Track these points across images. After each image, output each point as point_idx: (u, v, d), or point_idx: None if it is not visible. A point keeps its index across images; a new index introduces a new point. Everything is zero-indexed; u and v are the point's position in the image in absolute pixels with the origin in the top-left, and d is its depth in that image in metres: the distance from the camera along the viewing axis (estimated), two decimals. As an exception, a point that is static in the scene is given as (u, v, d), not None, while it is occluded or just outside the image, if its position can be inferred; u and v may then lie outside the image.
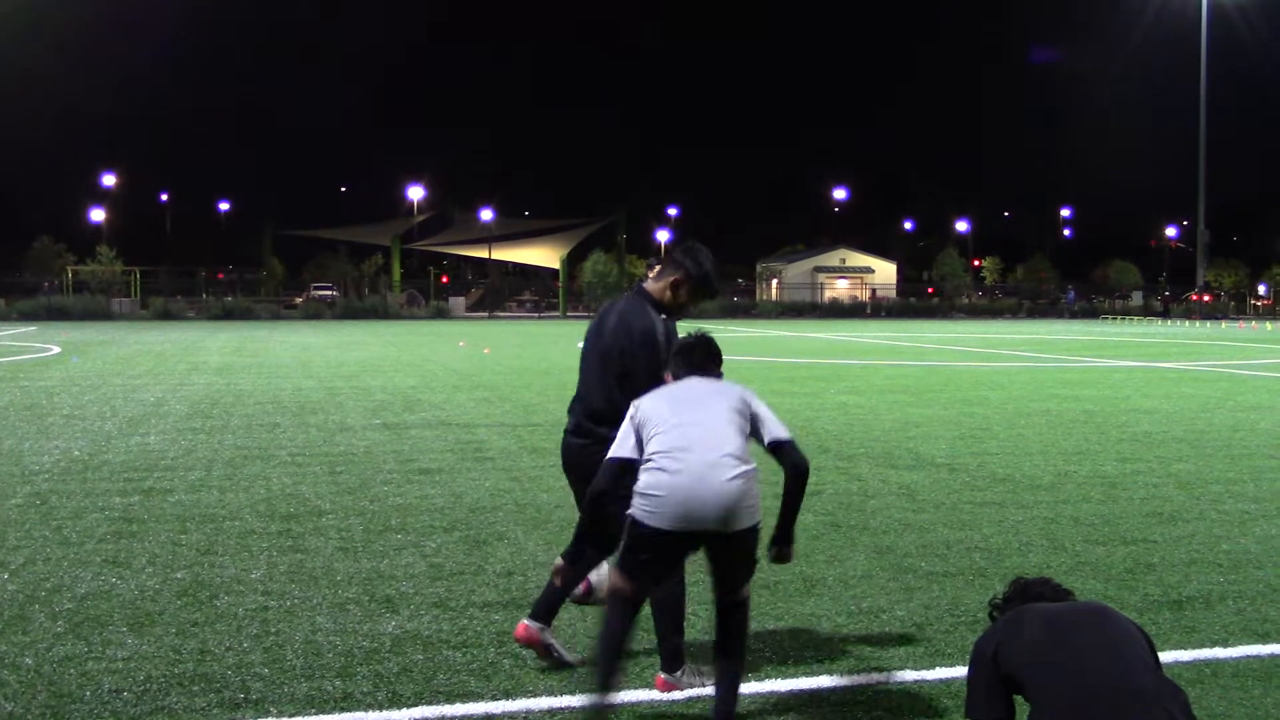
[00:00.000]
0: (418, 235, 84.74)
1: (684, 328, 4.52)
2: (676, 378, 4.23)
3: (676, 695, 4.41)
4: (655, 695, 4.42)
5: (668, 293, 4.57)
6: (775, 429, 4.09)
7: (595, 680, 4.01)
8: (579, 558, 4.58)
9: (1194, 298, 70.78)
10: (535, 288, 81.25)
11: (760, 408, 4.12)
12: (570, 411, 4.86)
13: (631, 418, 4.09)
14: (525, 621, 4.66)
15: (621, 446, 4.04)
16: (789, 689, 4.48)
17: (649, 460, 3.95)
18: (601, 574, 5.62)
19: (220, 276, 76.34)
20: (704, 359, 4.25)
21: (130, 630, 5.18)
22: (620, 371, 4.51)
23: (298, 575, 6.14)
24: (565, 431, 4.87)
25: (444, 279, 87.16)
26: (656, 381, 4.41)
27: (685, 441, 3.91)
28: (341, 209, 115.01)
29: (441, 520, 7.50)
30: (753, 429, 4.08)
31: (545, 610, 4.66)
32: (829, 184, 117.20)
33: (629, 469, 4.00)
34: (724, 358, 4.51)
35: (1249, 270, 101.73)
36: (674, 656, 4.47)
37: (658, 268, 12.86)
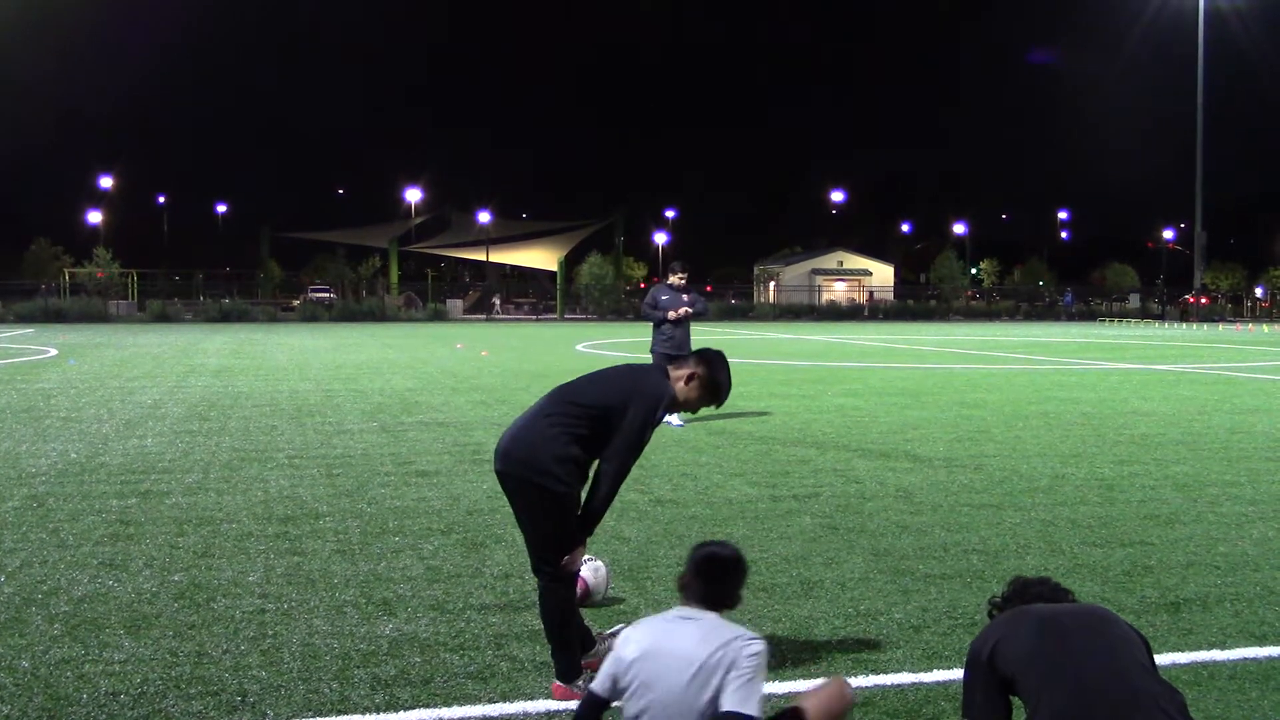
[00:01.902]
0: (415, 237, 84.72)
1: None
2: (683, 588, 3.73)
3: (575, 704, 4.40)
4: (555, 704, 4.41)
5: (681, 381, 4.68)
6: (739, 700, 3.42)
7: None
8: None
9: (1190, 300, 70.67)
10: (532, 290, 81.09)
11: (743, 674, 3.44)
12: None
13: (614, 658, 3.64)
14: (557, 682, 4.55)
15: (600, 681, 3.65)
16: (786, 691, 4.48)
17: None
18: (600, 575, 5.62)
19: (225, 275, 76.08)
20: (730, 586, 3.72)
21: (127, 633, 5.17)
22: (607, 402, 4.50)
23: (295, 578, 6.13)
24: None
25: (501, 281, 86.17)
26: (628, 445, 4.44)
27: (643, 712, 3.50)
28: (339, 211, 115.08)
29: (439, 522, 7.50)
30: (720, 689, 3.44)
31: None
32: (827, 186, 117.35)
33: (601, 707, 3.63)
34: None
35: (1246, 272, 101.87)
36: (568, 668, 4.51)
37: (682, 274, 12.79)
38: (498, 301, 70.88)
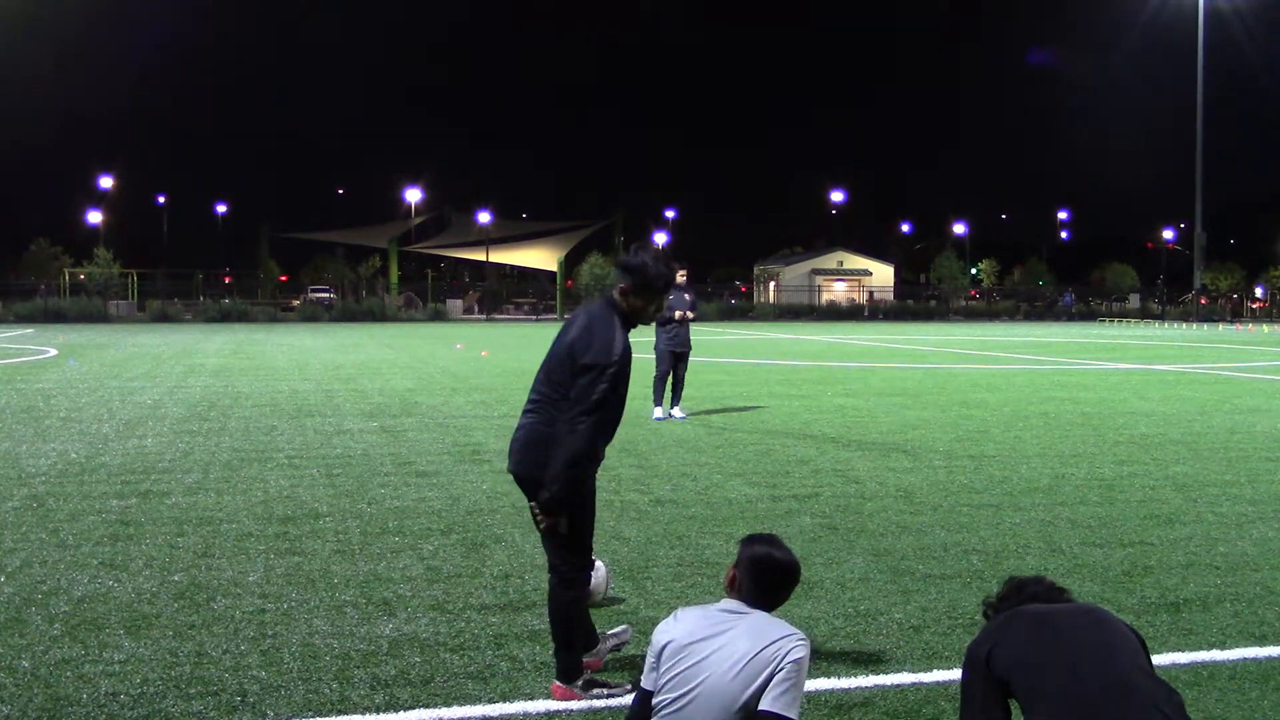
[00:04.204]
0: (415, 237, 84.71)
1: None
2: (731, 585, 3.76)
3: (574, 705, 4.40)
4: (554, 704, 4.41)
5: (624, 302, 4.62)
6: (781, 704, 3.41)
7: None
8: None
9: (1203, 301, 70.33)
10: (532, 290, 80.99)
11: (788, 676, 3.45)
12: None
13: (654, 649, 3.63)
14: (557, 683, 4.54)
15: (646, 675, 3.65)
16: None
17: (655, 708, 3.56)
18: (600, 575, 5.62)
19: (226, 279, 75.96)
20: (783, 594, 3.76)
21: (127, 633, 5.18)
22: (572, 372, 4.47)
23: (295, 578, 6.14)
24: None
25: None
26: (579, 407, 4.36)
27: (683, 703, 3.48)
28: (339, 211, 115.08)
29: (439, 523, 7.50)
30: (763, 687, 3.44)
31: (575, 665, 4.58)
32: (826, 186, 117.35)
33: (649, 698, 3.61)
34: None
35: (1245, 273, 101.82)
36: (568, 668, 4.50)
37: (683, 273, 12.81)
38: (477, 304, 69.95)
